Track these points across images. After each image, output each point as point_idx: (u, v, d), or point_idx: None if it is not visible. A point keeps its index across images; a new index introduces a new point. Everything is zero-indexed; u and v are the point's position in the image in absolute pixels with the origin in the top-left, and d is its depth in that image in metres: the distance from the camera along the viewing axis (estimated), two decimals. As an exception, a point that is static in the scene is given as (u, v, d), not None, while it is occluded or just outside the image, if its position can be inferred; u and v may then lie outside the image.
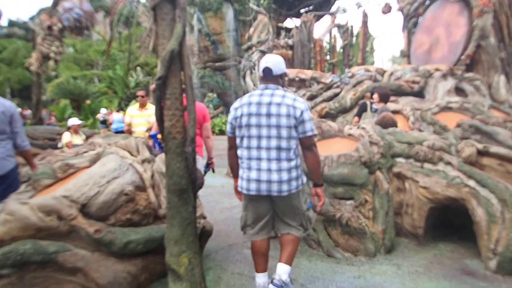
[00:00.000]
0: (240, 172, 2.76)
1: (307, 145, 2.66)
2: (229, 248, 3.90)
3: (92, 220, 2.75)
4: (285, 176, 2.60)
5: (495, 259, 3.23)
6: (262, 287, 2.79)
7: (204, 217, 3.44)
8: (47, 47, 7.54)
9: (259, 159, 2.63)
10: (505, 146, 3.82)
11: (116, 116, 13.13)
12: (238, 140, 2.74)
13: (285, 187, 2.61)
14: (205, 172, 4.03)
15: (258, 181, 2.62)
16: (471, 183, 3.55)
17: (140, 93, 5.86)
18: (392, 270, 3.33)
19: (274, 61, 2.70)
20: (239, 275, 3.27)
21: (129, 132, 5.81)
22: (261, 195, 2.65)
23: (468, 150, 3.85)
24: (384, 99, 5.42)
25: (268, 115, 2.59)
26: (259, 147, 2.62)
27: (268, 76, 2.70)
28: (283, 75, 2.76)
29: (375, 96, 5.62)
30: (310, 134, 2.62)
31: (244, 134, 2.67)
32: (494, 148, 3.82)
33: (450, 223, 4.16)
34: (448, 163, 3.77)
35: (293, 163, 2.64)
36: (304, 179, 2.80)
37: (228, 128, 2.84)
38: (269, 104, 2.60)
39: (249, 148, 2.66)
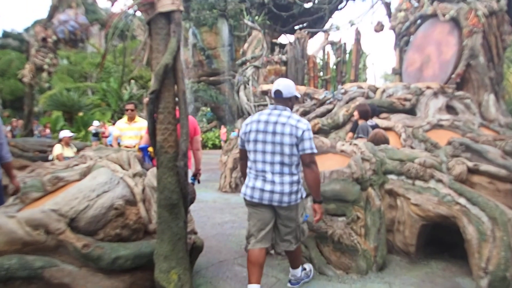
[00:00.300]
0: (246, 180, 3.04)
1: (306, 162, 2.86)
2: (219, 264, 3.85)
3: (81, 235, 2.70)
4: (287, 189, 2.86)
5: (487, 278, 3.21)
6: None
7: (195, 233, 3.41)
8: (41, 59, 7.53)
9: (264, 171, 2.90)
10: (495, 165, 3.85)
11: (112, 129, 13.10)
12: (248, 154, 3.02)
13: (286, 198, 2.87)
14: (192, 184, 4.08)
15: (262, 190, 2.89)
16: (462, 200, 3.57)
17: (129, 106, 5.87)
18: (383, 288, 3.30)
19: (285, 85, 2.98)
20: (229, 292, 3.22)
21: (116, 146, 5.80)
22: (263, 203, 2.91)
23: (459, 168, 3.88)
24: (363, 116, 5.52)
25: (274, 133, 2.85)
26: (264, 161, 2.89)
27: (279, 98, 2.98)
28: (292, 98, 3.03)
29: (355, 113, 5.70)
30: (309, 152, 2.84)
31: (251, 148, 2.95)
32: (484, 166, 3.85)
33: (441, 240, 4.16)
34: (439, 181, 3.79)
35: (295, 178, 2.91)
36: (304, 194, 3.05)
37: (239, 141, 3.15)
38: (275, 123, 2.87)
39: (255, 161, 2.94)
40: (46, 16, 7.81)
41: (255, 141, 2.91)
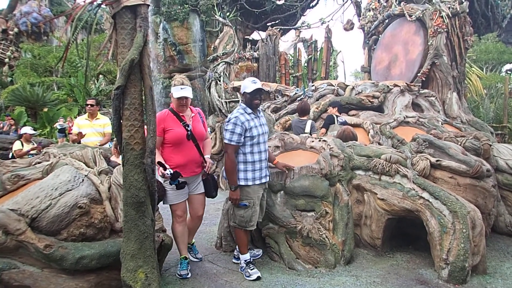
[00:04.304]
0: None
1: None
2: (190, 262, 3.81)
3: (43, 235, 2.61)
4: None
5: (447, 269, 3.36)
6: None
7: (164, 231, 3.36)
8: (2, 52, 7.18)
9: None
10: (456, 160, 4.01)
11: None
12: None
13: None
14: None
15: None
16: (425, 195, 3.70)
17: (90, 101, 5.60)
18: (351, 281, 3.38)
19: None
20: (198, 290, 3.20)
21: (76, 141, 5.60)
22: None
23: (422, 164, 4.01)
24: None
25: None
26: None
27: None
28: (244, 93, 3.51)
29: (330, 109, 6.04)
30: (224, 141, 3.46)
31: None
32: (446, 162, 4.00)
33: (406, 233, 4.29)
34: (404, 176, 3.91)
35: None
36: (242, 181, 3.41)
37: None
38: None
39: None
40: (6, 7, 7.45)
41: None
